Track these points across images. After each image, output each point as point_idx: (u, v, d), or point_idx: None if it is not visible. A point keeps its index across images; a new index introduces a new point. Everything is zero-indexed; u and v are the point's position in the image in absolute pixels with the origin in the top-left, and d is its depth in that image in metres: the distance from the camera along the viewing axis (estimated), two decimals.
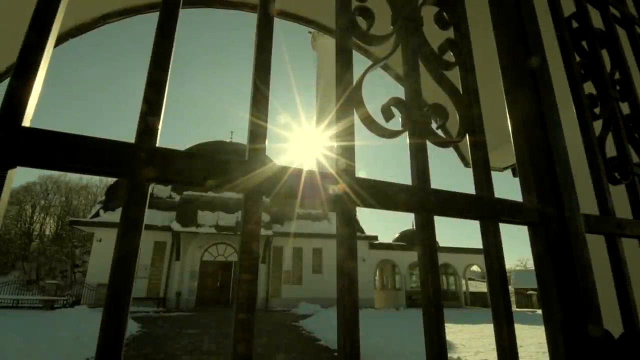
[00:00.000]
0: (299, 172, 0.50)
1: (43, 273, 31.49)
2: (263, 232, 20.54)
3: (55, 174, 37.31)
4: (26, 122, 0.39)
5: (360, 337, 0.50)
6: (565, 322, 0.64)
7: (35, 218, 36.17)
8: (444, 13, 0.78)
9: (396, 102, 0.64)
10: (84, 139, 0.40)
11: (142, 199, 0.42)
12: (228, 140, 27.47)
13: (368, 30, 0.67)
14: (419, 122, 0.64)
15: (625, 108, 0.92)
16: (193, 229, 18.96)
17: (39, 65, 0.41)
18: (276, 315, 15.94)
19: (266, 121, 0.52)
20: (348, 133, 0.57)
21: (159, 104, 0.46)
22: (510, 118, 0.79)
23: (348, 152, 0.56)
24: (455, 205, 0.61)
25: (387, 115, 0.63)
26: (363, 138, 0.69)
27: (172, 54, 0.50)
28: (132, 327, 10.91)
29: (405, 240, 26.85)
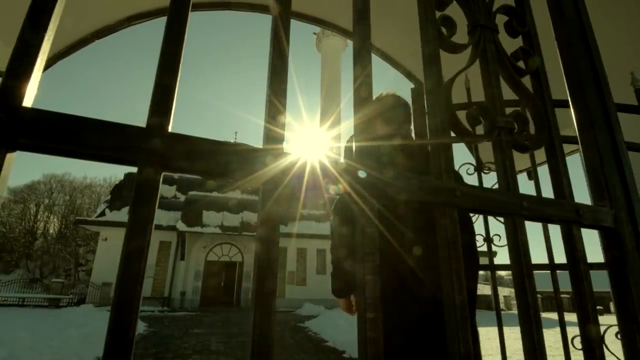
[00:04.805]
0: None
1: (47, 272, 31.64)
2: None
3: (59, 172, 37.62)
4: (27, 103, 0.36)
5: None
6: None
7: (39, 217, 36.36)
8: (514, 22, 0.80)
9: (482, 109, 0.66)
10: (97, 123, 0.36)
11: (154, 193, 0.44)
12: (232, 141, 27.54)
13: (450, 38, 0.69)
14: (504, 129, 0.65)
15: None
16: (198, 228, 19.00)
17: (40, 45, 0.38)
18: (281, 316, 15.95)
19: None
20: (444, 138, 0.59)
21: (169, 106, 0.42)
22: (577, 123, 0.80)
23: (444, 154, 0.58)
24: (543, 209, 0.62)
25: (474, 121, 0.65)
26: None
27: (181, 58, 0.45)
28: (140, 327, 10.94)
29: None
